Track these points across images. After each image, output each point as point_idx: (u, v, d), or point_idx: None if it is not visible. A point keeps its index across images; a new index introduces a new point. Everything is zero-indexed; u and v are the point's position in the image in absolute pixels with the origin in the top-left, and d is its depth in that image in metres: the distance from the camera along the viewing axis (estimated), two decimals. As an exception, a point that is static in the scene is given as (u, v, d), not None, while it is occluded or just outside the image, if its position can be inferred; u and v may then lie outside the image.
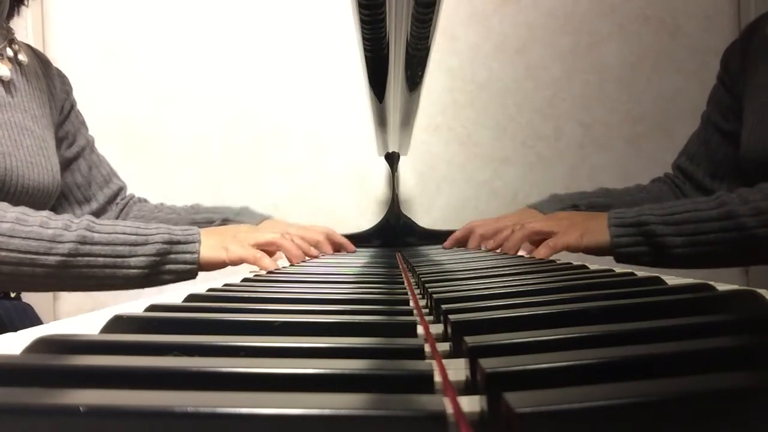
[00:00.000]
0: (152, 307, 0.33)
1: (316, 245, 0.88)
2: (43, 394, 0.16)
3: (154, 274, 0.69)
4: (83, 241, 0.65)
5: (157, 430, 0.15)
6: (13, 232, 0.62)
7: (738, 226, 0.65)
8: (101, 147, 1.00)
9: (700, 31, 1.48)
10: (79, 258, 0.64)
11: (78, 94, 0.96)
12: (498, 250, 0.86)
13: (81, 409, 0.15)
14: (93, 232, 0.66)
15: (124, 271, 0.67)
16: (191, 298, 0.38)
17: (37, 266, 0.63)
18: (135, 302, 0.38)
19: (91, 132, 0.98)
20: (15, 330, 0.29)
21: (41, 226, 0.63)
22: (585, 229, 0.74)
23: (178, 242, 0.70)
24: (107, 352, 0.22)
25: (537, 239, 0.79)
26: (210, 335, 0.25)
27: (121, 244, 0.67)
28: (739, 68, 0.91)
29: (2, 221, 0.62)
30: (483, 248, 0.91)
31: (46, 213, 0.66)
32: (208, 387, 0.18)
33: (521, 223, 0.81)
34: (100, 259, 0.66)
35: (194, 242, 0.70)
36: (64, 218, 0.66)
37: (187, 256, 0.70)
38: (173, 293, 0.43)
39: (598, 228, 0.73)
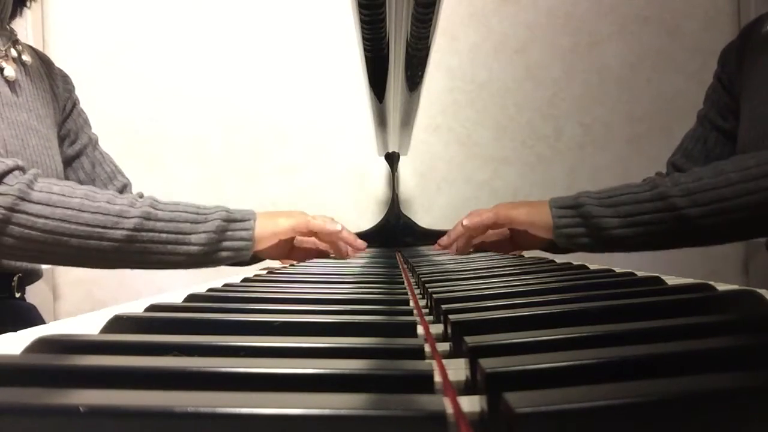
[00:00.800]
0: (152, 307, 0.33)
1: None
2: (43, 394, 0.16)
3: (213, 252, 0.71)
4: (147, 217, 0.67)
5: (157, 430, 0.15)
6: (83, 206, 0.64)
7: (669, 207, 0.66)
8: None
9: (700, 31, 1.48)
10: (144, 233, 0.67)
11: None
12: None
13: (81, 409, 0.15)
14: (156, 209, 0.69)
15: (185, 247, 0.69)
16: (191, 298, 0.38)
17: (104, 240, 0.65)
18: (135, 302, 0.38)
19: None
20: (15, 330, 0.29)
21: (108, 202, 0.66)
22: (530, 209, 0.75)
23: (235, 220, 0.73)
24: (107, 352, 0.22)
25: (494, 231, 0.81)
26: (210, 335, 0.25)
27: (183, 221, 0.70)
28: (736, 67, 0.91)
29: (72, 196, 0.64)
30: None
31: (111, 192, 0.69)
32: (208, 387, 0.18)
33: (467, 222, 0.80)
34: (163, 235, 0.68)
35: (250, 220, 0.73)
36: (129, 197, 0.69)
37: (244, 233, 0.72)
38: (173, 293, 0.43)
39: (541, 210, 0.74)
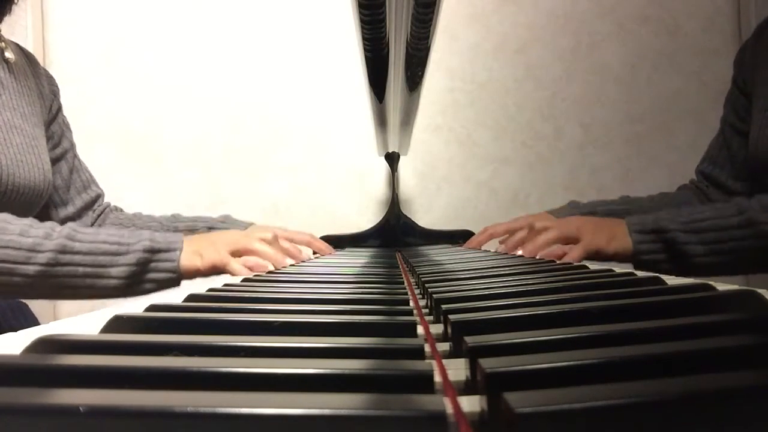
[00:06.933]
0: (152, 307, 0.33)
1: (307, 245, 0.90)
2: (43, 394, 0.16)
3: (135, 284, 0.68)
4: (63, 251, 0.64)
5: (157, 430, 0.15)
6: None
7: (759, 234, 0.65)
8: (101, 147, 1.00)
9: (700, 31, 1.48)
10: (59, 267, 0.63)
11: (78, 94, 0.96)
12: (519, 252, 0.84)
13: (81, 409, 0.15)
14: (74, 240, 0.65)
15: (105, 281, 0.66)
16: (191, 298, 0.38)
17: (15, 275, 0.62)
18: (135, 302, 0.38)
19: (91, 132, 0.98)
20: (11, 329, 0.29)
21: (21, 235, 0.62)
22: (611, 234, 0.73)
23: (159, 250, 0.69)
24: (107, 352, 0.22)
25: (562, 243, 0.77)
26: (210, 335, 0.25)
27: (102, 254, 0.66)
28: (750, 67, 0.90)
29: None
30: (497, 249, 0.90)
31: (29, 221, 0.65)
32: (208, 387, 0.18)
33: (546, 226, 0.78)
34: (80, 269, 0.64)
35: (175, 250, 0.69)
36: (46, 226, 0.65)
37: (168, 264, 0.69)
38: (173, 293, 0.43)
39: (621, 234, 0.72)
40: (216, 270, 0.71)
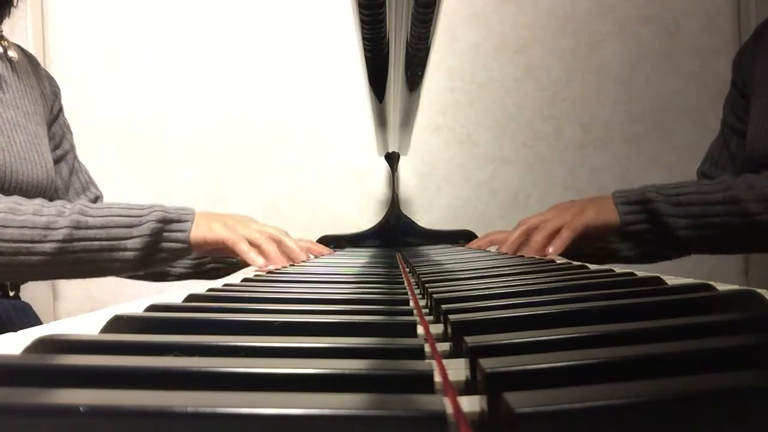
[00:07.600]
0: (152, 307, 0.33)
1: (306, 251, 0.90)
2: (43, 394, 0.16)
3: (150, 254, 0.68)
4: (77, 226, 0.64)
5: (157, 430, 0.15)
6: (6, 221, 0.62)
7: (741, 211, 0.65)
8: (102, 147, 1.00)
9: (700, 31, 1.48)
10: (75, 243, 0.64)
11: (78, 94, 0.97)
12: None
13: (81, 409, 0.15)
14: (87, 216, 0.65)
15: (121, 253, 0.66)
16: (191, 298, 0.38)
17: (33, 254, 0.62)
18: (135, 302, 0.38)
19: (91, 132, 0.98)
20: (14, 329, 0.29)
21: (35, 214, 0.63)
22: (598, 208, 0.73)
23: (171, 221, 0.69)
24: (107, 352, 0.22)
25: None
26: (210, 335, 0.25)
27: (116, 227, 0.66)
28: (749, 68, 0.91)
29: None
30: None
31: (39, 201, 0.66)
32: (208, 387, 0.18)
33: (538, 224, 0.77)
34: (96, 243, 0.65)
35: (186, 221, 0.70)
36: (57, 204, 0.66)
37: (180, 234, 0.69)
38: (173, 293, 0.43)
39: (607, 207, 0.73)
40: (223, 245, 0.71)
